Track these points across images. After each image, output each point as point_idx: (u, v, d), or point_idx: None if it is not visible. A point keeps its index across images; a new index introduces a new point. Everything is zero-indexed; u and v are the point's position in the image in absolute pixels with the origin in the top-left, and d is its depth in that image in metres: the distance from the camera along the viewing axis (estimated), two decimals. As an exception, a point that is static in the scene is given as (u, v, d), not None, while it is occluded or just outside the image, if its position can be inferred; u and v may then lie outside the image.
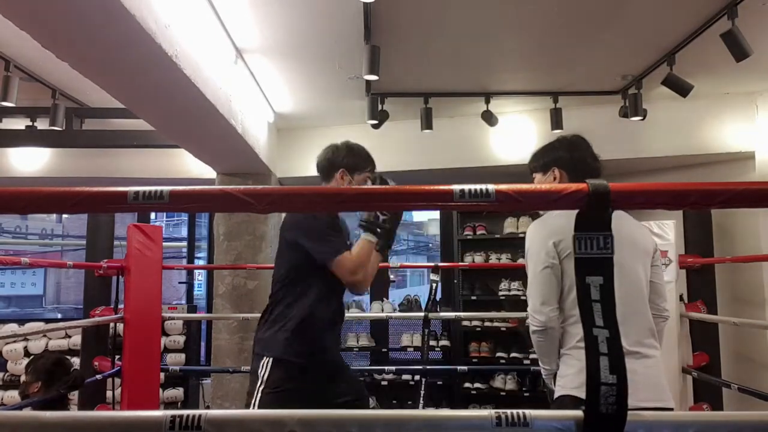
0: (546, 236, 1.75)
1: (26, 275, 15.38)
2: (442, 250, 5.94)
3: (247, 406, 2.11)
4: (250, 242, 4.77)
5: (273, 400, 2.03)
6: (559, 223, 1.73)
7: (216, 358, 4.76)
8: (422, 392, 3.59)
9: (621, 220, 1.79)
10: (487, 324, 5.10)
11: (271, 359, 2.09)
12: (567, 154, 1.90)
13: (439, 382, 5.16)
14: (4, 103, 3.50)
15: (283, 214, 5.79)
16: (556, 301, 1.73)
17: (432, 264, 3.94)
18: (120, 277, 3.79)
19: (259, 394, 2.07)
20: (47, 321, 6.99)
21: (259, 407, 2.01)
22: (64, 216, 14.15)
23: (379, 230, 2.05)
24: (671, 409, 1.75)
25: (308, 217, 2.14)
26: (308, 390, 2.06)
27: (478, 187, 0.93)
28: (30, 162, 5.33)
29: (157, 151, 5.04)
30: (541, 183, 1.91)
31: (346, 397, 2.17)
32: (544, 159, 1.94)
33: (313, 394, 2.05)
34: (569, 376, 1.71)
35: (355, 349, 5.28)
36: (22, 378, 3.69)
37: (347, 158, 2.22)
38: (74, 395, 3.60)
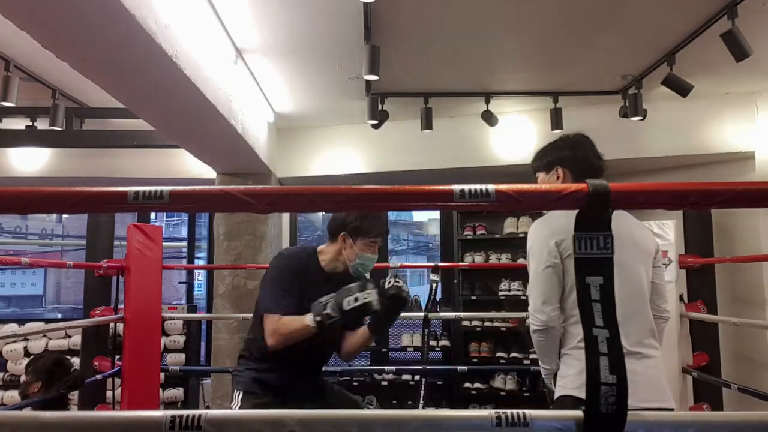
0: (548, 235, 1.74)
1: (26, 275, 15.38)
2: (442, 250, 5.95)
3: None
4: (250, 242, 4.77)
5: None
6: (561, 223, 1.72)
7: (216, 358, 4.76)
8: (422, 392, 3.58)
9: (622, 220, 1.79)
10: (487, 324, 5.10)
11: (241, 393, 2.10)
12: (570, 153, 1.88)
13: (439, 382, 5.16)
14: (4, 103, 3.50)
15: (284, 214, 5.76)
16: (557, 300, 1.73)
17: (432, 264, 3.93)
18: (120, 277, 3.79)
19: None
20: (47, 321, 6.99)
21: None
22: (64, 216, 14.15)
23: (318, 319, 1.88)
24: (672, 410, 1.75)
25: (277, 262, 2.11)
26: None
27: (478, 187, 0.93)
28: (30, 162, 5.33)
29: (157, 151, 5.04)
30: (545, 182, 1.91)
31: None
32: (548, 158, 1.93)
33: None
34: (570, 377, 1.71)
35: (355, 349, 5.28)
36: (22, 378, 3.69)
37: (355, 222, 2.10)
38: (74, 395, 3.60)
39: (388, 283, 2.01)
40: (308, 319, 1.90)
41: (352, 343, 2.20)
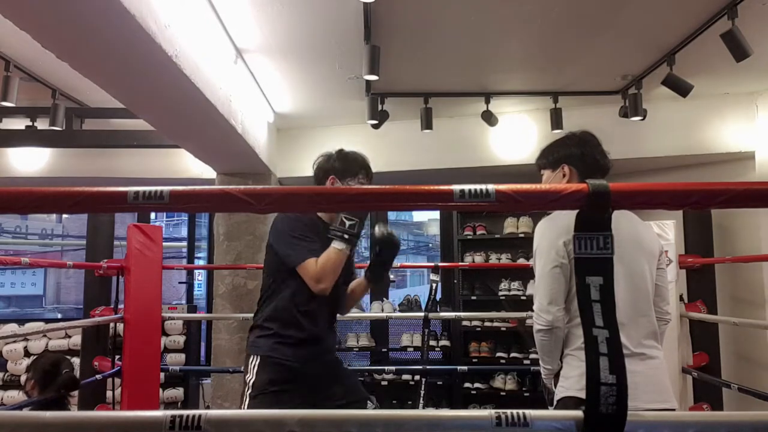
0: (556, 235, 1.72)
1: (26, 275, 15.35)
2: (442, 250, 5.94)
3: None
4: (250, 242, 4.77)
5: (259, 404, 2.02)
6: (569, 222, 1.70)
7: (216, 358, 4.76)
8: (422, 392, 3.59)
9: (627, 221, 1.78)
10: (487, 324, 5.10)
11: (258, 358, 2.09)
12: (577, 151, 1.87)
13: (439, 382, 5.16)
14: (4, 103, 3.50)
15: (283, 215, 5.73)
16: (563, 301, 1.71)
17: (432, 264, 3.94)
18: (120, 277, 3.79)
19: (247, 399, 2.07)
20: (47, 321, 6.99)
21: None
22: (64, 216, 14.13)
23: (346, 236, 2.00)
24: (674, 410, 1.75)
25: (282, 220, 2.14)
26: (297, 393, 2.04)
27: (478, 187, 0.93)
28: (30, 162, 5.32)
29: (157, 151, 5.04)
30: (550, 180, 1.90)
31: (341, 401, 2.12)
32: (554, 156, 1.91)
33: (302, 398, 2.03)
34: (573, 378, 1.70)
35: (354, 349, 5.28)
36: (23, 377, 3.70)
37: (337, 164, 2.17)
38: (75, 395, 3.60)
39: (379, 233, 2.11)
40: (336, 245, 2.00)
41: (353, 296, 2.32)
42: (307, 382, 2.10)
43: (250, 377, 2.08)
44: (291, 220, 2.12)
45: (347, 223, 1.98)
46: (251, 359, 2.11)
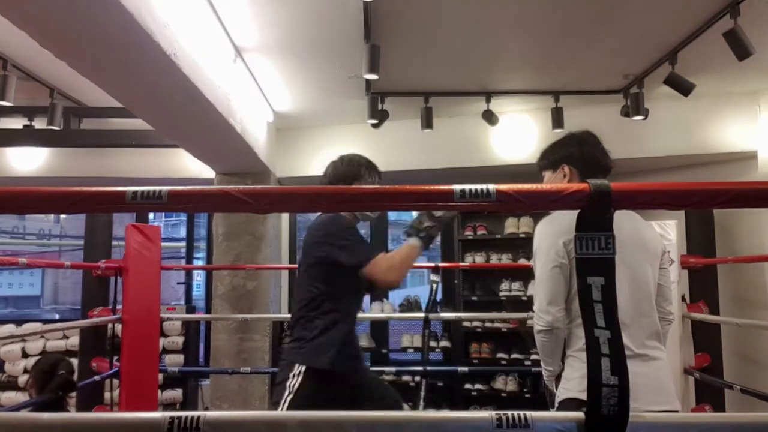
0: (556, 235, 1.71)
1: (24, 276, 15.32)
2: (442, 250, 5.93)
3: None
4: (250, 242, 4.75)
5: (299, 407, 2.00)
6: (570, 222, 1.69)
7: (215, 359, 4.75)
8: (422, 394, 3.57)
9: (629, 221, 1.77)
10: (487, 325, 5.08)
11: (303, 367, 2.05)
12: (577, 151, 1.85)
13: (439, 384, 5.14)
14: (2, 102, 3.48)
15: (283, 215, 5.74)
16: (563, 301, 1.70)
17: (432, 264, 3.92)
18: (118, 277, 3.77)
19: (286, 404, 2.02)
20: (45, 322, 6.98)
21: None
22: (62, 216, 14.12)
23: (422, 235, 2.04)
24: (677, 412, 1.74)
25: (331, 231, 2.12)
26: (340, 402, 2.03)
27: (478, 186, 0.93)
28: (27, 162, 5.31)
29: (155, 150, 5.03)
30: (551, 181, 1.89)
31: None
32: (554, 156, 1.90)
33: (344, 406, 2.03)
34: (574, 380, 1.68)
35: (354, 350, 5.26)
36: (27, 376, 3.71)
37: (346, 170, 2.19)
38: (74, 396, 3.59)
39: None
40: (411, 241, 2.05)
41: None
42: (348, 392, 2.11)
43: (293, 382, 2.03)
44: (341, 223, 2.14)
45: (426, 223, 2.03)
46: (296, 367, 2.05)
